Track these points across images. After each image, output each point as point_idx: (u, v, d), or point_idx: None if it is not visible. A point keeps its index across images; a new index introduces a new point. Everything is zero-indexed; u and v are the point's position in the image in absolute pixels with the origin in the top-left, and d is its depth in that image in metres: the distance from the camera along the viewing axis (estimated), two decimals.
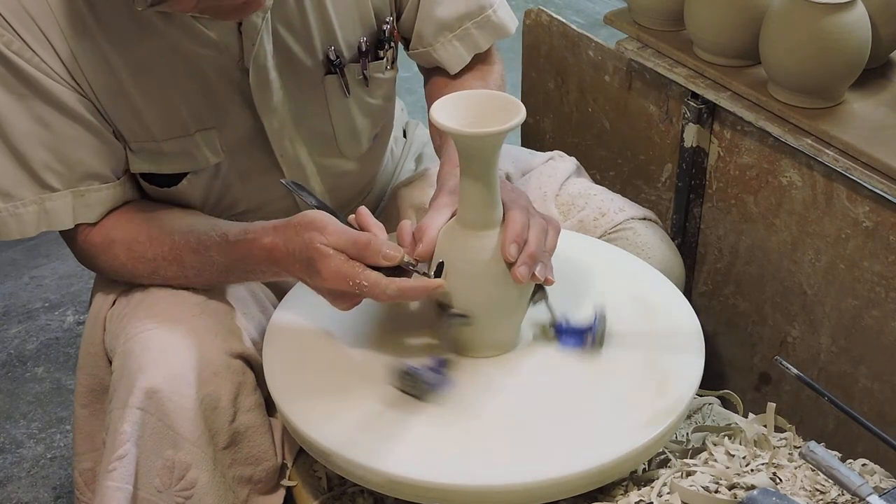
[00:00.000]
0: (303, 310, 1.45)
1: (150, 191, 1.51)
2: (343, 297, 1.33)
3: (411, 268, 1.31)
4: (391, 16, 1.60)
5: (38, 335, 2.50)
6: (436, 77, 1.67)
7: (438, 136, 1.59)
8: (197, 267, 1.42)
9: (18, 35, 1.35)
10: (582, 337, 1.38)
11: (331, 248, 1.30)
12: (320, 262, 1.30)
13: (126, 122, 1.44)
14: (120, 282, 1.49)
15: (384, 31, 1.58)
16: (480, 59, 1.65)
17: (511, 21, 1.66)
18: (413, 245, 1.33)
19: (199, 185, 1.52)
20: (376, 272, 1.29)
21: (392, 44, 1.60)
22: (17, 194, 1.41)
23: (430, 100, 1.66)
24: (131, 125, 1.45)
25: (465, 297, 1.32)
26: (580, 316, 1.40)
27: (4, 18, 1.35)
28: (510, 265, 1.30)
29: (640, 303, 1.48)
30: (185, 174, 1.50)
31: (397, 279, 1.29)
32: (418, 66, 1.71)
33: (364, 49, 1.57)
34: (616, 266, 1.55)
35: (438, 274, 1.31)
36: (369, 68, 1.58)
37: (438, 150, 1.59)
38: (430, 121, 1.65)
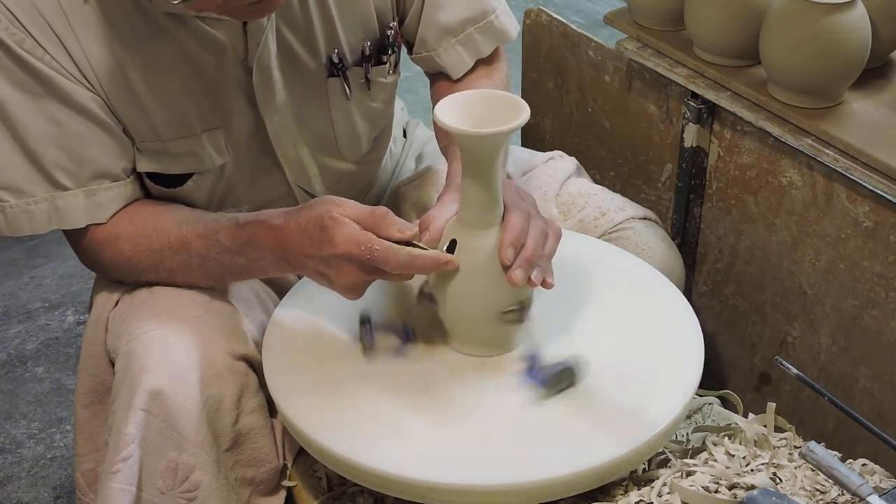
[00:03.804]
0: (303, 309, 1.46)
1: (156, 191, 1.51)
2: (351, 265, 1.30)
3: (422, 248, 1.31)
4: (394, 20, 1.60)
5: (38, 335, 2.50)
6: (441, 81, 1.67)
7: (444, 136, 1.58)
8: (202, 254, 1.41)
9: (30, 34, 1.35)
10: (541, 380, 1.34)
11: (346, 217, 1.30)
12: (333, 229, 1.30)
13: (134, 122, 1.44)
14: (122, 281, 1.49)
15: (388, 35, 1.58)
16: (485, 60, 1.65)
17: (513, 26, 1.66)
18: (420, 234, 1.32)
19: (204, 186, 1.52)
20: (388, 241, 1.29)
21: (395, 48, 1.60)
22: (29, 191, 1.41)
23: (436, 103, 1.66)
24: (139, 125, 1.45)
25: (462, 295, 1.32)
26: (557, 350, 1.38)
27: (16, 17, 1.35)
28: (506, 268, 1.30)
29: (640, 302, 1.48)
30: (190, 175, 1.50)
31: (409, 247, 1.29)
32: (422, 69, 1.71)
33: (367, 53, 1.57)
34: (616, 266, 1.55)
35: (450, 252, 1.31)
36: (372, 73, 1.59)
37: (444, 150, 1.59)
38: (434, 121, 1.66)
